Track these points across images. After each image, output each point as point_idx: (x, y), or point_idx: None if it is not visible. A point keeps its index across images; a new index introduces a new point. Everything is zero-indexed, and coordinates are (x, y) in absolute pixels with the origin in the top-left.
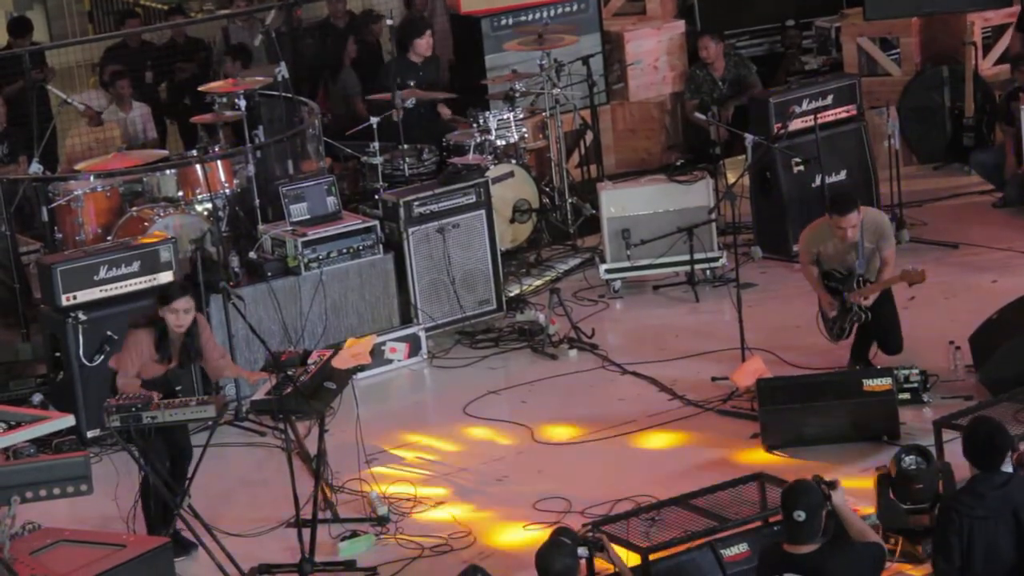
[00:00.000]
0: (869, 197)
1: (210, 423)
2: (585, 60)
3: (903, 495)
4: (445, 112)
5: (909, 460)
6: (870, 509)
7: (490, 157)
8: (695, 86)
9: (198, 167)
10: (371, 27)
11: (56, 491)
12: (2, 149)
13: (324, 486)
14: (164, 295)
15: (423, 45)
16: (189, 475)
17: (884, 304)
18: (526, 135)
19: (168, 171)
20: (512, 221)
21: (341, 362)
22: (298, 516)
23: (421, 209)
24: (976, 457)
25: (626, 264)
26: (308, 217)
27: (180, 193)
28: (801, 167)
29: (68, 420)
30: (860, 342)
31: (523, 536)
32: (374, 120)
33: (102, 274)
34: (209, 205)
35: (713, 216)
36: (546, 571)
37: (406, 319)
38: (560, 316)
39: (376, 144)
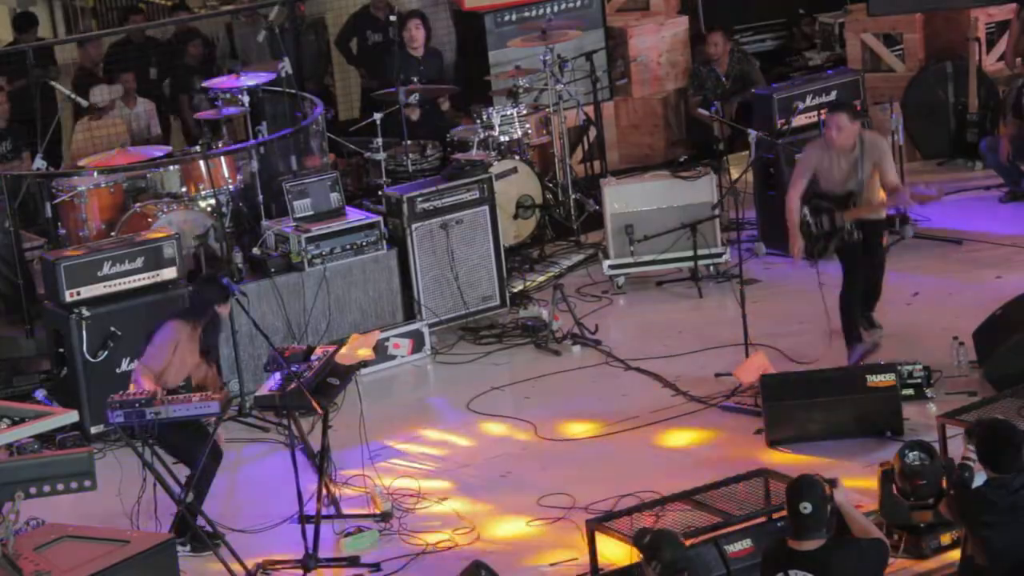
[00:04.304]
0: None
1: (214, 419)
2: (588, 56)
3: (906, 491)
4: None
5: (912, 456)
6: (873, 505)
7: (493, 153)
8: (698, 82)
9: (202, 163)
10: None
11: (60, 487)
12: (6, 145)
13: (328, 482)
14: (223, 294)
15: (407, 36)
16: (195, 472)
17: (875, 246)
18: (529, 131)
19: (172, 167)
20: (515, 217)
21: (344, 358)
22: (301, 512)
23: (424, 205)
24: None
25: (629, 260)
26: (311, 213)
27: (184, 189)
28: None
29: (72, 416)
30: (850, 311)
31: (526, 532)
32: (377, 116)
33: (106, 270)
34: (213, 201)
35: (717, 212)
36: (655, 554)
37: (409, 315)
38: (563, 312)
39: (379, 140)
